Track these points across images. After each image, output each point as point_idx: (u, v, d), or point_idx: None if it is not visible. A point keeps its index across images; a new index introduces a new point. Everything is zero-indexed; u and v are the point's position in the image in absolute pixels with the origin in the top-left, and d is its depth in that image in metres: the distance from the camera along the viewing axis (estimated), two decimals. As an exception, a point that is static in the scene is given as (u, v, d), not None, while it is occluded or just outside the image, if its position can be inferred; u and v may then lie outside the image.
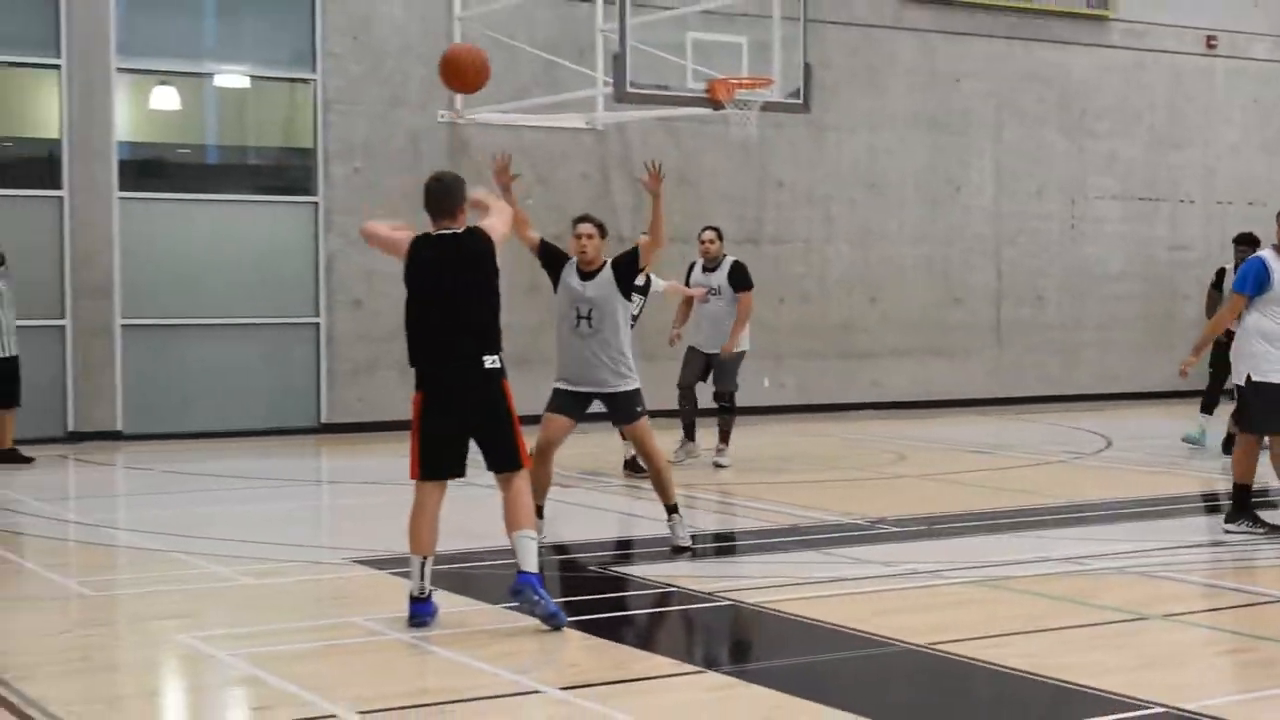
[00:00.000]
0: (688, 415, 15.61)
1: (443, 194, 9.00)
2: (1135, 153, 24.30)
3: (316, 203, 19.00)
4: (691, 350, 15.66)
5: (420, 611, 8.59)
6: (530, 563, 8.54)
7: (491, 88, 19.61)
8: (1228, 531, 11.39)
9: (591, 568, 10.48)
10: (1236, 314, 11.44)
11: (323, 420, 18.96)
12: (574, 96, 19.14)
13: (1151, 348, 23.74)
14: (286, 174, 19.49)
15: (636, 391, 10.83)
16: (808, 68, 17.53)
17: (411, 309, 8.84)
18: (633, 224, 20.13)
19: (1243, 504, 11.41)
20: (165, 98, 18.78)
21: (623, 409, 10.83)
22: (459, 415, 8.67)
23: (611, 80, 16.85)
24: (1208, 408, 16.73)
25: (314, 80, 19.04)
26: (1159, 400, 23.03)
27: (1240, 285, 11.37)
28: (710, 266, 15.61)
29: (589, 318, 10.80)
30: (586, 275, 10.91)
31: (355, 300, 19.07)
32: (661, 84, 17.30)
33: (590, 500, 13.33)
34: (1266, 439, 11.35)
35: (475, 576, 10.14)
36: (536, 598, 8.43)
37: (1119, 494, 13.58)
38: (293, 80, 19.26)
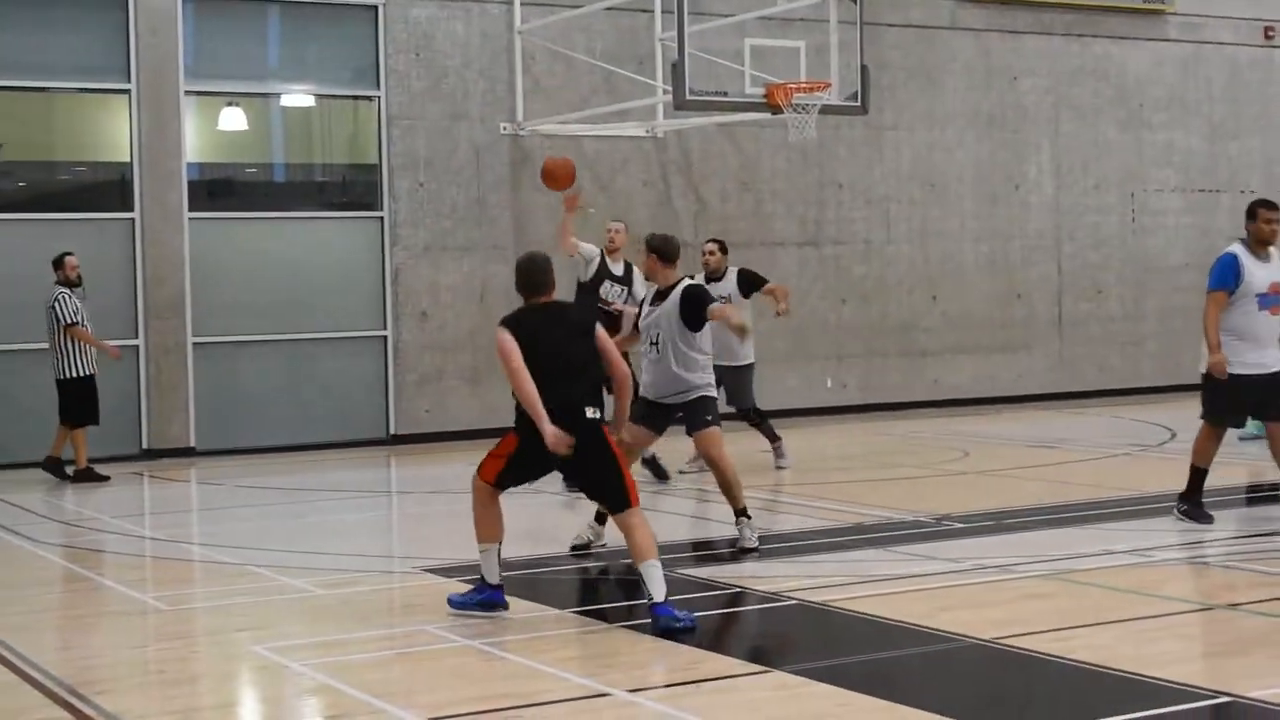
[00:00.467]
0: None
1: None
2: (1194, 144, 24.09)
3: (382, 217, 19.07)
4: None
5: (498, 598, 8.88)
6: (659, 591, 8.54)
7: (552, 98, 19.86)
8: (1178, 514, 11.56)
9: (658, 570, 10.44)
10: (1221, 309, 11.30)
11: (392, 432, 19.02)
12: (634, 105, 19.16)
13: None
14: (352, 190, 19.58)
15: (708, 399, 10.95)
16: (865, 70, 17.46)
17: None
18: (695, 230, 20.11)
19: (1194, 487, 11.52)
20: (233, 118, 18.90)
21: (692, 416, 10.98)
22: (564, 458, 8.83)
23: (670, 88, 16.83)
24: None
25: (377, 97, 19.11)
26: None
27: (1220, 282, 11.28)
28: (714, 278, 15.15)
29: (657, 343, 10.93)
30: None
31: (421, 312, 19.13)
32: (720, 90, 17.30)
33: (655, 503, 13.31)
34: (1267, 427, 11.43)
35: (542, 581, 10.15)
36: (678, 624, 8.40)
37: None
38: (356, 98, 19.34)
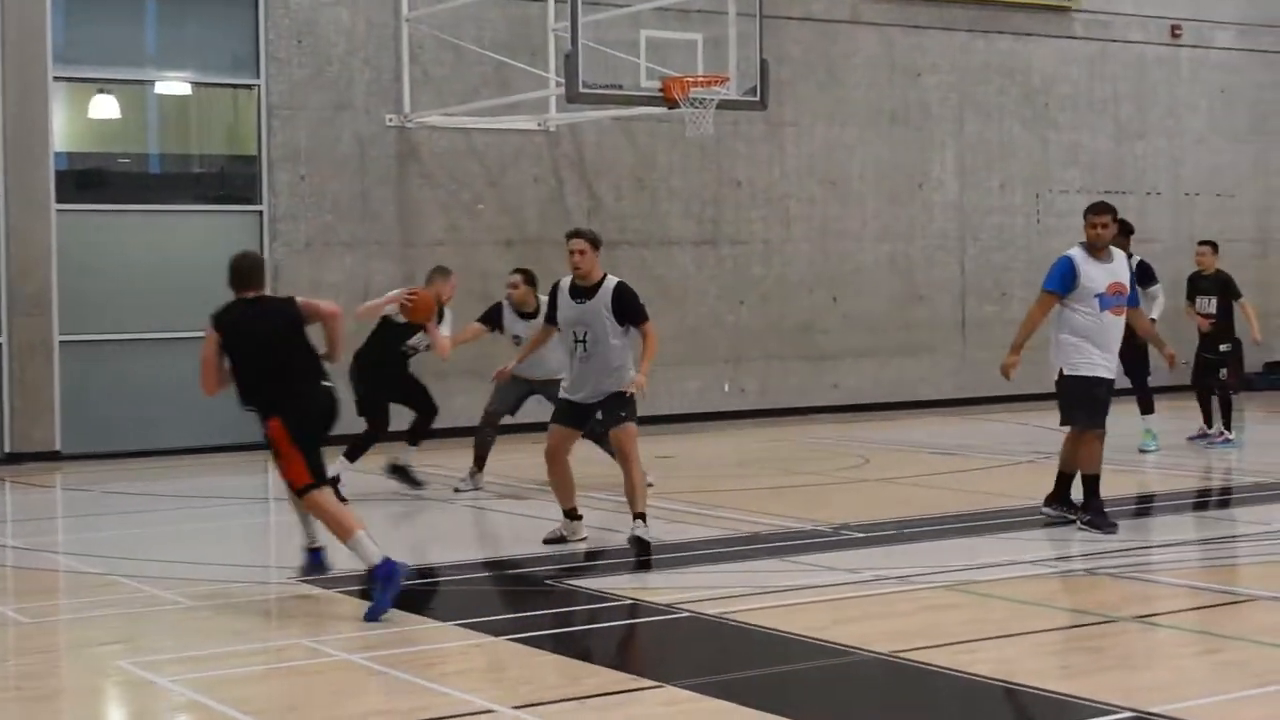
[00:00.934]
0: (487, 445, 14.60)
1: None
2: (1100, 144, 24.34)
3: (261, 211, 18.88)
4: (517, 380, 14.15)
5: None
6: (375, 556, 9.31)
7: (440, 89, 19.75)
8: (1043, 511, 12.01)
9: (545, 580, 10.40)
10: (1046, 312, 11.79)
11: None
12: (525, 97, 19.07)
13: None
14: (230, 182, 19.36)
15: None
16: (764, 64, 17.48)
17: None
18: (588, 225, 20.01)
19: (1061, 491, 11.93)
20: (105, 106, 18.62)
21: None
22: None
23: (564, 80, 16.77)
24: (1147, 408, 16.83)
25: (257, 85, 18.92)
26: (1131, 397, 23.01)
27: (1050, 283, 11.74)
28: (525, 312, 14.55)
29: (584, 341, 11.16)
30: (578, 294, 11.22)
31: (303, 311, 18.93)
32: (615, 83, 17.27)
33: (541, 511, 13.25)
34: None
35: (428, 593, 10.07)
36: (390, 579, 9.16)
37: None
38: (235, 86, 19.13)
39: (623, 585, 10.08)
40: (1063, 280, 11.66)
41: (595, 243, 11.23)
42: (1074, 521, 11.77)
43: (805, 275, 22.11)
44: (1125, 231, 16.52)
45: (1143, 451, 16.53)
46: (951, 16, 23.11)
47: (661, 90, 16.95)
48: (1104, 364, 11.66)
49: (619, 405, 11.20)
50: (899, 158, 22.75)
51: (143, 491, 15.38)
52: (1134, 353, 15.33)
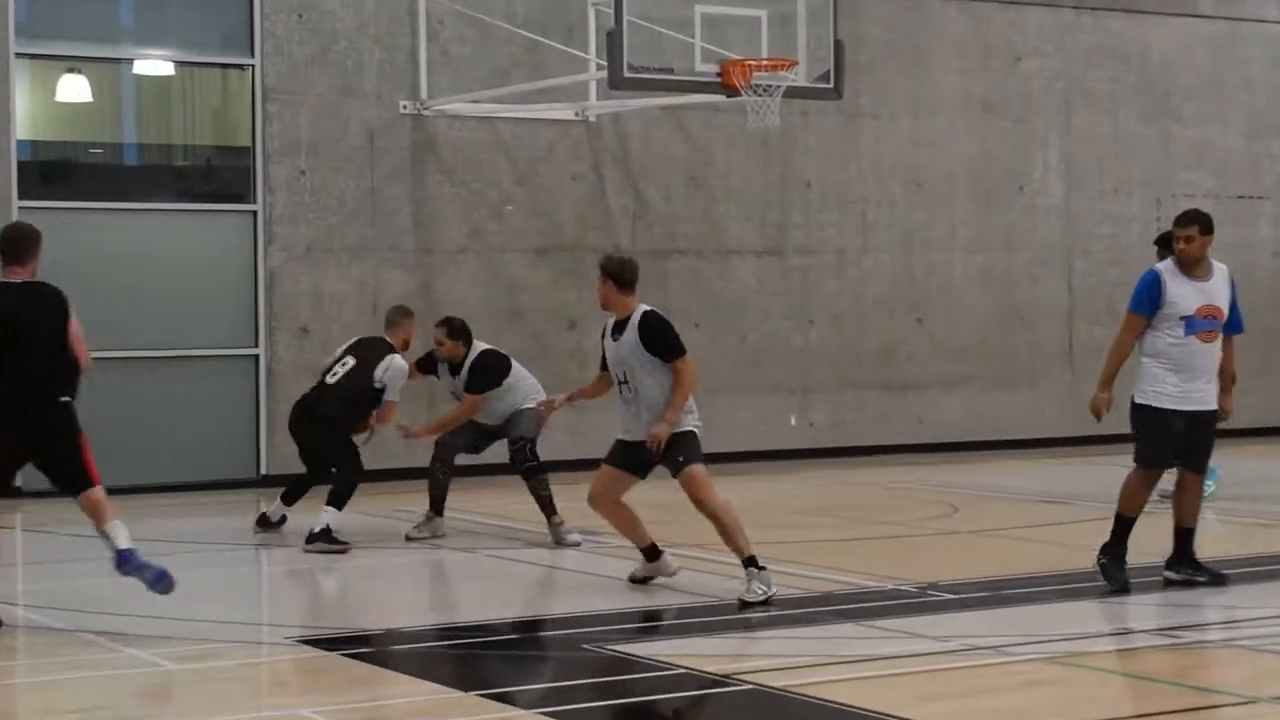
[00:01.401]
0: (441, 485, 14.78)
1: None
2: (1231, 141, 24.26)
3: (255, 211, 18.95)
4: (471, 422, 14.72)
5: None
6: (123, 540, 10.76)
7: (463, 72, 19.82)
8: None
9: (585, 646, 10.40)
10: (1136, 337, 11.97)
11: (263, 472, 18.89)
12: (561, 82, 19.11)
13: (1254, 374, 23.66)
14: (219, 178, 19.47)
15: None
16: (839, 45, 17.51)
17: None
18: (632, 233, 20.11)
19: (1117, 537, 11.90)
20: (74, 88, 18.75)
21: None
22: None
23: (606, 63, 16.82)
24: None
25: (251, 66, 19.01)
26: (1267, 437, 22.95)
27: (1135, 304, 11.92)
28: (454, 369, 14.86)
29: (626, 382, 11.63)
30: (616, 330, 11.68)
31: (301, 327, 19.02)
32: (665, 66, 17.29)
33: (583, 564, 13.26)
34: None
35: (442, 658, 10.08)
36: (142, 565, 10.68)
37: (1218, 551, 13.46)
38: (226, 66, 19.24)
39: (672, 651, 10.06)
40: (1150, 300, 11.80)
41: (619, 276, 11.66)
42: (1202, 583, 11.74)
43: (885, 292, 22.10)
44: (1163, 244, 16.52)
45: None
46: (1057, -9, 23.13)
47: (719, 75, 16.98)
48: (1180, 396, 11.75)
49: (673, 448, 11.45)
50: (995, 155, 22.73)
51: (115, 535, 15.40)
52: None
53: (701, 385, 19.44)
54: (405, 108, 19.49)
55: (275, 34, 19.07)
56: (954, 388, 22.40)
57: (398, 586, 12.97)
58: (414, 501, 15.21)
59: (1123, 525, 11.85)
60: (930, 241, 22.38)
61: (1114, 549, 11.82)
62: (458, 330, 14.65)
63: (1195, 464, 12.00)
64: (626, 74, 16.55)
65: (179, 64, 19.15)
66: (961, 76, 22.59)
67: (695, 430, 11.59)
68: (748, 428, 20.99)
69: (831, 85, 17.61)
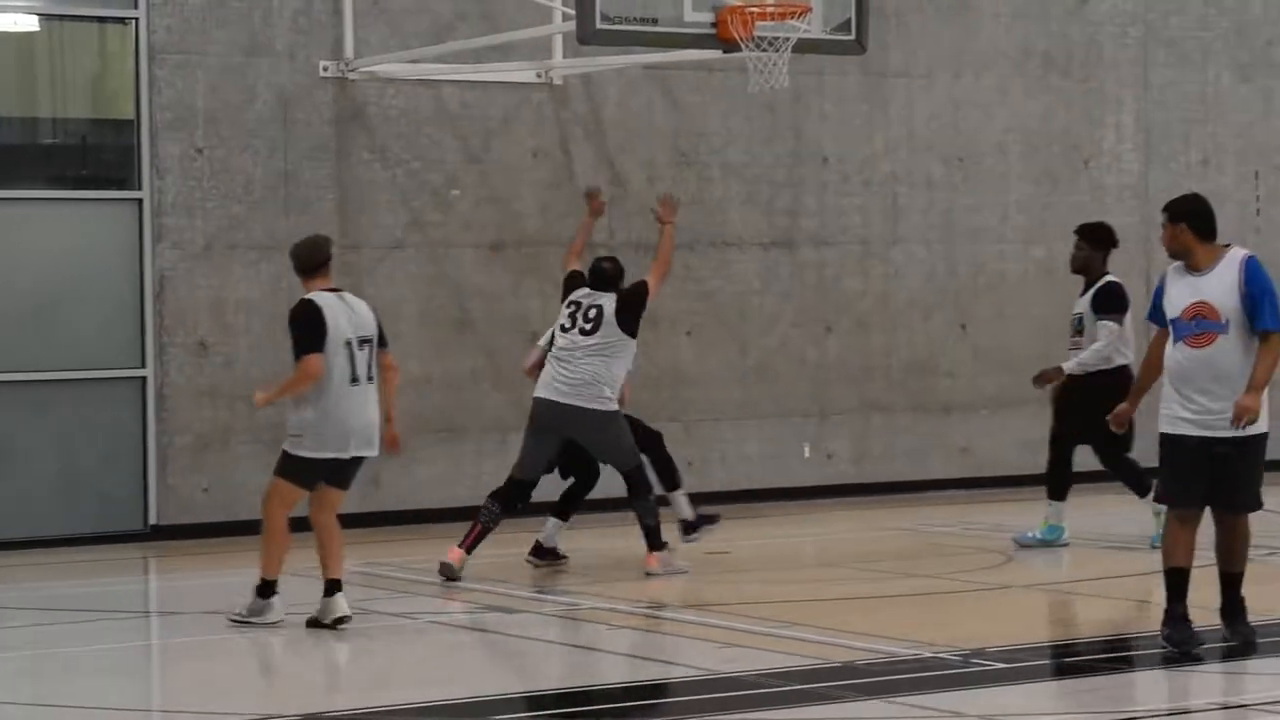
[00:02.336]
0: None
1: None
2: (1347, 103, 24.45)
3: (141, 200, 18.92)
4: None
5: None
6: None
7: (398, 26, 19.84)
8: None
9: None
10: (1162, 346, 12.25)
11: (152, 521, 18.87)
12: (520, 35, 19.09)
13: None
14: (96, 158, 19.50)
15: None
16: (861, -12, 17.63)
17: None
18: (608, 221, 20.10)
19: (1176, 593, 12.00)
20: (-86, 48, 18.91)
21: None
22: None
23: (575, 12, 16.86)
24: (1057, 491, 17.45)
25: (134, 20, 18.97)
26: None
27: (1149, 312, 12.37)
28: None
29: None
30: None
31: (199, 341, 18.98)
32: (648, 16, 17.27)
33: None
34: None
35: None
36: None
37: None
38: (103, 20, 19.23)
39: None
40: (1155, 304, 12.25)
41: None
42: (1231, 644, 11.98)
43: (921, 291, 22.18)
44: (1094, 242, 16.75)
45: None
46: (1131, -81, 23.26)
47: (715, 25, 17.01)
48: (1180, 418, 12.02)
49: None
50: (1056, 122, 22.82)
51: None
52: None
53: (694, 408, 19.82)
54: (326, 70, 19.47)
55: (164, -21, 19.11)
56: (1004, 410, 22.42)
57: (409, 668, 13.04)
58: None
59: (1171, 579, 11.97)
60: (976, 230, 22.46)
61: (1169, 609, 11.92)
62: None
63: (1219, 499, 12.07)
64: (599, 25, 16.47)
65: (45, 17, 19.16)
66: (1015, 25, 22.63)
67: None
68: (751, 460, 21.07)
69: (853, 37, 17.63)
